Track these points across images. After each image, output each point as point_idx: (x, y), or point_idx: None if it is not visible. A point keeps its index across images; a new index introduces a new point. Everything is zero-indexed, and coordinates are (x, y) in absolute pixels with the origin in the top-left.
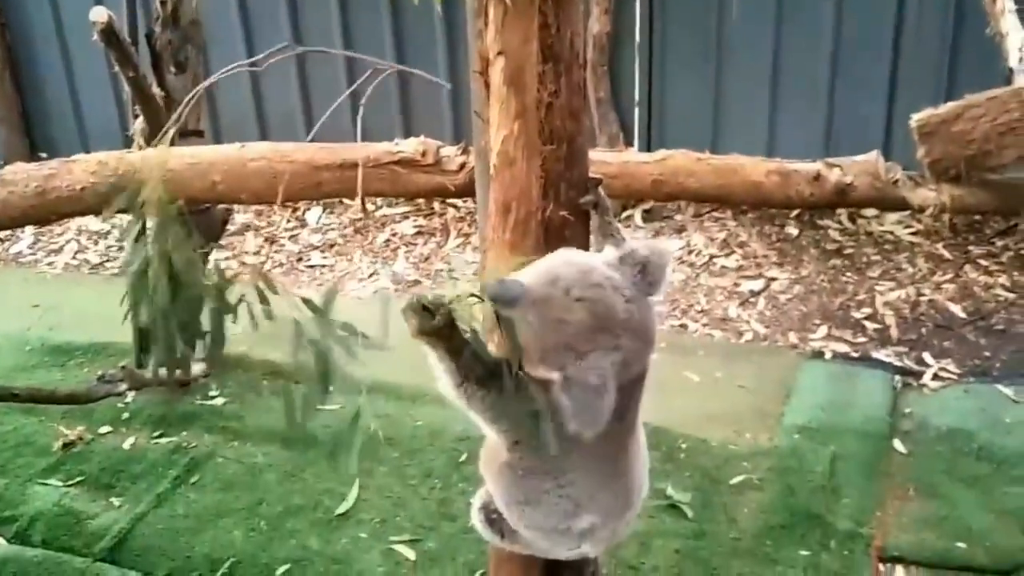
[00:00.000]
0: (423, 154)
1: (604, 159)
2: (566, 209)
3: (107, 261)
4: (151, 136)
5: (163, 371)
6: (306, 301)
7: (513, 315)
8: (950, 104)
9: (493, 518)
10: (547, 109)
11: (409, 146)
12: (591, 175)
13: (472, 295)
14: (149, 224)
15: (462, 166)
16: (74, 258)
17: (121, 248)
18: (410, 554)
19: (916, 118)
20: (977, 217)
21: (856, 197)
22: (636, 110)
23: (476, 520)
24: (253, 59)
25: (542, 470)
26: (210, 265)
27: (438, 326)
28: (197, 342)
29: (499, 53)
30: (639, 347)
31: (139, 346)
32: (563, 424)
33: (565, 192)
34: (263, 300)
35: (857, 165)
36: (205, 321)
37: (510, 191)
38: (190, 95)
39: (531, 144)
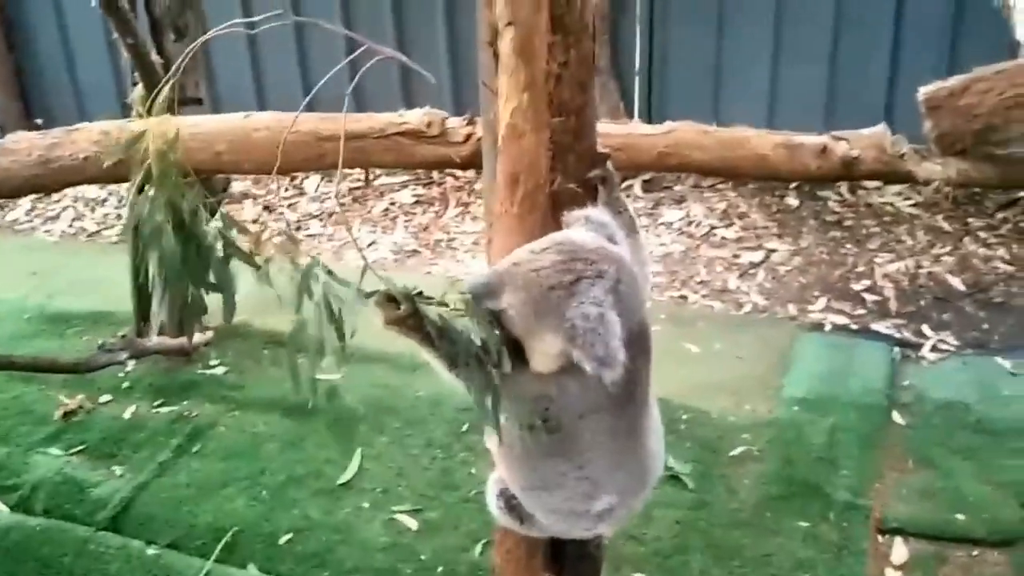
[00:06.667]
0: (428, 125)
1: (608, 131)
2: (574, 182)
3: (104, 229)
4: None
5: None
6: (315, 259)
7: (496, 304)
8: (958, 77)
9: (513, 504)
10: (556, 81)
11: (414, 117)
12: (599, 150)
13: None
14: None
15: (468, 137)
16: (71, 225)
17: (119, 216)
18: (412, 523)
19: (923, 91)
20: (977, 190)
21: (863, 171)
22: (636, 79)
23: (494, 508)
24: (248, 20)
25: (559, 452)
26: (216, 219)
27: (403, 315)
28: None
29: (509, 23)
30: (627, 279)
31: (139, 314)
32: (575, 401)
33: (573, 165)
34: (288, 254)
35: (864, 138)
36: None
37: (518, 163)
38: (183, 56)
39: (540, 116)
